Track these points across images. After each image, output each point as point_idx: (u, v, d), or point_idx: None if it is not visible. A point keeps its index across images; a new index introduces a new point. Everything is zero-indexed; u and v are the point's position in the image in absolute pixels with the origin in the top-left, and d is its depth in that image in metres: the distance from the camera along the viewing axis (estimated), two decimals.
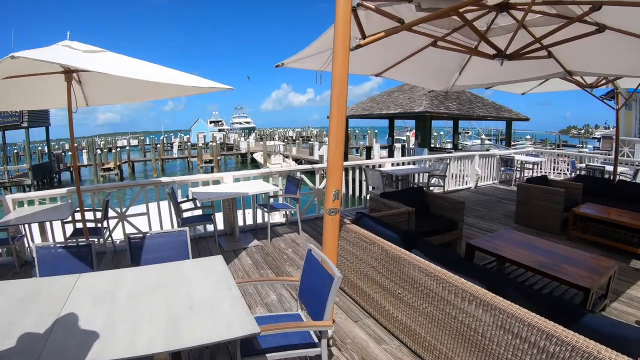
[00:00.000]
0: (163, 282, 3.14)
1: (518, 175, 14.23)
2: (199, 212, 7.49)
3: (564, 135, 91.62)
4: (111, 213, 7.28)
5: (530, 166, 14.63)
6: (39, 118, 34.70)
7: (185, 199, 7.65)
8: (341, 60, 3.71)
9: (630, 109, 18.88)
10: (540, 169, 15.58)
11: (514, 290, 3.12)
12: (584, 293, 4.20)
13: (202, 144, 63.88)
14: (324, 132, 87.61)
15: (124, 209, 7.54)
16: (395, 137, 52.12)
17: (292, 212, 8.04)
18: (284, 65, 6.01)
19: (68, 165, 43.78)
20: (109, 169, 43.56)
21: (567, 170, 15.17)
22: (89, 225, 6.56)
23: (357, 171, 10.08)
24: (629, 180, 11.54)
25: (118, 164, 44.76)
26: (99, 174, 42.29)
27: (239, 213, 8.10)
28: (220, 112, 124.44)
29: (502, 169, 14.28)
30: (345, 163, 9.60)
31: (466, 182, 13.05)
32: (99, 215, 6.94)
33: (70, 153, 49.21)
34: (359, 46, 4.08)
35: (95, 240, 6.78)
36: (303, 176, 8.67)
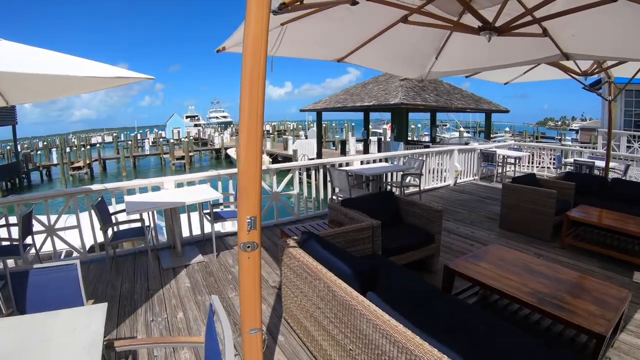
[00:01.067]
0: (17, 348, 2.29)
1: (500, 171, 13.34)
2: (138, 223, 6.41)
3: (542, 127, 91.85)
4: (38, 227, 6.22)
5: (513, 161, 13.80)
6: (5, 116, 33.18)
7: (121, 209, 6.51)
8: (256, 22, 2.33)
9: (615, 101, 18.13)
10: (523, 163, 14.85)
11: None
12: (596, 340, 3.19)
13: (176, 139, 62.38)
14: (300, 126, 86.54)
15: (52, 222, 6.46)
16: (372, 130, 51.28)
17: None
18: (226, 49, 4.85)
19: (38, 165, 42.44)
20: (78, 168, 41.91)
21: (551, 164, 14.51)
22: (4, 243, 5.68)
23: (322, 171, 8.97)
24: (619, 176, 10.69)
25: (88, 162, 43.06)
26: (68, 173, 40.73)
27: (184, 221, 7.07)
28: (197, 107, 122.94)
29: (483, 164, 13.42)
30: (307, 162, 8.61)
31: (444, 178, 12.08)
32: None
33: (39, 152, 47.73)
34: (284, 5, 2.75)
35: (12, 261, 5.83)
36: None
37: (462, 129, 54.56)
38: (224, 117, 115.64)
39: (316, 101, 27.06)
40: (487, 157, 13.22)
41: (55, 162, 44.03)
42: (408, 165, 10.04)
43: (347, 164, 9.37)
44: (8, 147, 41.75)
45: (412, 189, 10.48)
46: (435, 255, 5.55)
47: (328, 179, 8.60)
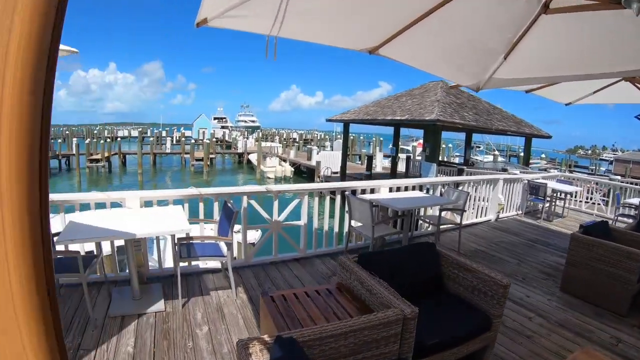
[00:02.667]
0: None
1: (547, 207, 11.43)
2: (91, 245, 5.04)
3: (571, 155, 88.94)
4: None
5: (563, 196, 11.92)
6: None
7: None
8: None
9: None
10: (573, 199, 13.07)
11: None
12: None
13: (200, 139, 61.14)
14: (327, 136, 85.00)
15: None
16: (400, 147, 49.57)
17: (223, 260, 5.14)
18: (208, 23, 3.15)
19: (57, 153, 41.71)
20: (96, 160, 40.78)
21: (602, 201, 12.82)
22: None
23: (339, 196, 7.22)
24: None
25: (107, 155, 41.96)
26: (85, 164, 39.64)
27: (154, 246, 5.53)
28: (227, 110, 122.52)
29: (529, 197, 11.60)
30: (320, 186, 6.83)
31: (484, 211, 10.26)
32: None
33: (59, 140, 47.12)
34: None
35: None
36: (254, 202, 5.96)
37: (496, 152, 52.36)
38: (253, 121, 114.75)
39: (345, 112, 25.32)
40: (535, 190, 11.41)
41: (74, 152, 43.20)
42: (447, 196, 8.23)
43: (373, 190, 7.57)
44: None
45: (448, 226, 8.57)
46: (489, 347, 3.73)
47: (346, 209, 6.84)
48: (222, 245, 5.02)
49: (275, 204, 6.20)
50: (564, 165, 51.63)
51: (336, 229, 7.15)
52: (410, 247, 4.40)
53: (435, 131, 18.49)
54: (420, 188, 8.44)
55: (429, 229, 8.63)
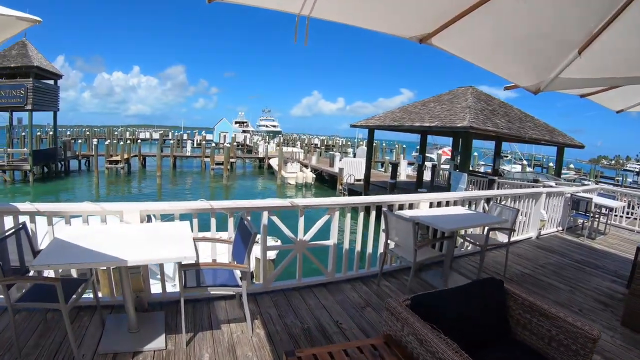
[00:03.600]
0: None
1: (589, 223, 10.44)
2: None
3: (595, 165, 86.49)
4: None
5: (606, 211, 10.96)
6: (46, 101, 33.56)
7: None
8: None
9: None
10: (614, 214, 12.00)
11: None
12: None
13: (221, 143, 60.65)
14: (349, 143, 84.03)
15: None
16: (418, 154, 48.44)
17: (237, 291, 4.24)
18: None
19: (77, 153, 41.64)
20: (115, 162, 40.36)
21: None
22: None
23: (374, 212, 6.22)
24: None
25: (126, 157, 41.58)
26: (105, 166, 39.26)
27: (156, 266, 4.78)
28: (248, 115, 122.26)
29: (571, 213, 10.62)
30: (354, 200, 5.93)
31: (525, 227, 9.31)
32: None
33: (80, 141, 47.15)
34: None
35: None
36: (275, 218, 5.08)
37: (524, 162, 50.84)
38: (274, 126, 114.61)
39: (369, 117, 24.41)
40: (577, 205, 10.45)
41: (93, 152, 43.02)
42: (491, 212, 7.26)
43: (411, 206, 6.62)
44: (51, 133, 41.28)
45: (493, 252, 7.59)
46: None
47: (382, 227, 5.92)
48: (237, 273, 4.15)
49: (301, 220, 5.31)
50: (592, 176, 49.77)
51: (369, 250, 6.22)
52: (472, 285, 3.48)
53: (467, 138, 17.49)
54: (463, 203, 7.51)
55: (469, 248, 7.73)
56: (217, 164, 41.44)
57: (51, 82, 35.10)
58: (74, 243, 3.55)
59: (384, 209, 5.84)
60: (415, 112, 21.06)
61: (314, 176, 36.19)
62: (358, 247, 6.00)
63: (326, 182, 36.84)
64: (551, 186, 14.33)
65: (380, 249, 6.13)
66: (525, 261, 7.64)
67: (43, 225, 4.40)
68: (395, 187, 22.39)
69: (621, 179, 52.12)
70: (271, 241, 8.64)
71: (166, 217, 4.78)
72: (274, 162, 42.97)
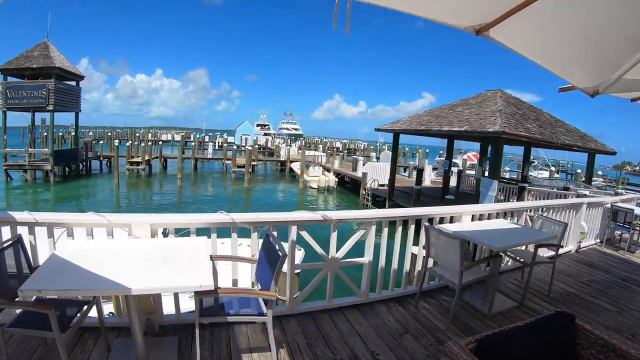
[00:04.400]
0: None
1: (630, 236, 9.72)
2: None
3: (619, 171, 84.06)
4: None
5: None
6: (68, 102, 33.98)
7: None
8: None
9: None
10: None
11: None
12: None
13: (242, 146, 60.39)
14: (372, 147, 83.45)
15: None
16: (445, 159, 47.43)
17: (262, 320, 3.63)
18: None
19: (99, 154, 41.78)
20: (136, 163, 40.27)
21: None
22: None
23: (413, 226, 5.48)
24: None
25: (147, 158, 41.48)
26: (126, 167, 39.21)
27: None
28: (270, 118, 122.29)
29: (612, 225, 9.94)
30: (390, 213, 5.34)
31: (564, 241, 8.65)
32: None
33: (102, 142, 47.35)
34: None
35: None
36: (305, 233, 4.50)
37: (552, 168, 49.61)
38: (295, 129, 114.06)
39: (394, 121, 23.74)
40: (616, 216, 9.81)
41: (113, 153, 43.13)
42: (535, 225, 6.63)
43: (452, 219, 5.92)
44: (73, 133, 41.60)
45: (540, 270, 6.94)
46: None
47: (422, 244, 5.31)
48: (262, 300, 3.59)
49: (334, 236, 4.70)
50: (619, 182, 48.18)
51: (406, 267, 5.60)
52: (538, 322, 2.89)
53: (497, 144, 16.75)
54: (505, 215, 6.87)
55: (509, 263, 7.09)
56: (239, 166, 41.10)
57: (73, 83, 35.31)
58: (74, 262, 3.03)
59: (425, 223, 5.24)
60: (442, 116, 20.34)
61: (337, 180, 35.61)
62: (395, 265, 5.39)
63: (348, 186, 36.43)
64: (586, 195, 13.65)
65: (418, 267, 5.53)
66: (567, 278, 6.98)
67: (44, 238, 3.90)
68: (420, 193, 21.69)
69: None
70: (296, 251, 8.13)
71: (181, 230, 4.25)
72: (295, 166, 42.55)
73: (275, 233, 4.02)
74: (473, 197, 21.06)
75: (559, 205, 8.25)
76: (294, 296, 4.63)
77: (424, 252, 5.20)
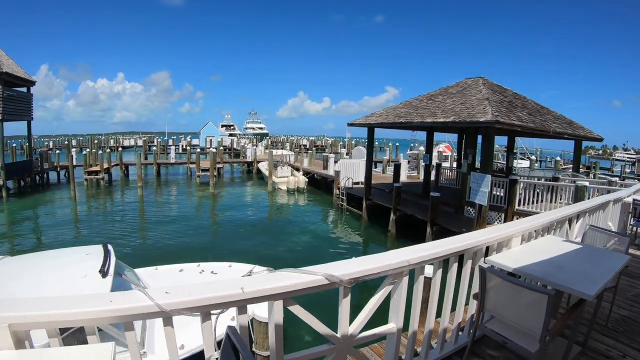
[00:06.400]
0: None
1: None
2: None
3: (583, 155, 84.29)
4: None
5: None
6: (18, 110, 31.59)
7: None
8: None
9: None
10: None
11: None
12: None
13: (207, 148, 57.98)
14: (340, 142, 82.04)
15: None
16: (411, 152, 45.96)
17: None
18: None
19: (55, 164, 39.22)
20: (95, 172, 37.62)
21: None
22: None
23: (455, 267, 3.53)
24: None
25: (106, 166, 38.87)
26: (84, 177, 36.63)
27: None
28: (235, 118, 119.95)
29: (633, 221, 8.85)
30: (430, 252, 3.37)
31: None
32: None
33: (58, 151, 44.84)
34: None
35: None
36: (298, 308, 2.60)
37: (532, 157, 48.67)
38: (261, 128, 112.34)
39: (366, 115, 21.98)
40: (635, 211, 8.85)
41: (75, 163, 40.48)
42: (586, 240, 5.04)
43: (500, 246, 4.06)
44: (27, 144, 39.11)
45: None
46: None
47: (472, 290, 3.55)
48: None
49: (345, 304, 2.74)
50: (591, 168, 47.18)
51: (445, 323, 3.81)
52: None
53: (488, 135, 15.08)
54: (549, 229, 5.17)
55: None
56: (203, 170, 38.85)
57: (24, 89, 32.81)
58: None
59: (481, 264, 3.49)
60: (422, 106, 18.59)
61: (307, 180, 33.78)
62: (430, 325, 3.60)
63: (319, 185, 34.79)
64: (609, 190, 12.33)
65: (459, 318, 3.79)
66: (609, 294, 5.42)
67: None
68: (401, 191, 20.01)
69: (619, 169, 50.21)
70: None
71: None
72: (262, 166, 40.56)
73: (246, 319, 2.20)
74: (457, 192, 19.59)
75: (592, 208, 6.65)
76: None
77: (473, 301, 3.46)
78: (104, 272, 6.54)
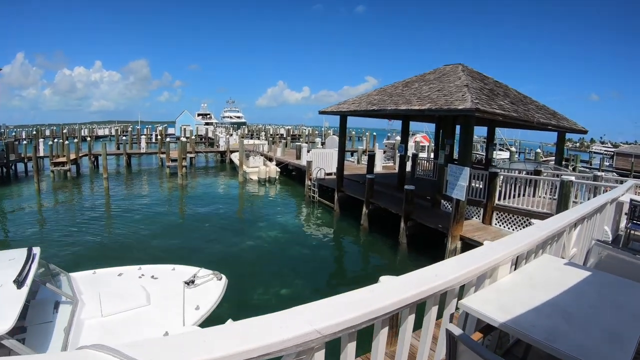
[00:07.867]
0: None
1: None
2: None
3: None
4: None
5: None
6: None
7: None
8: None
9: None
10: None
11: None
12: None
13: (183, 137, 56.31)
14: (317, 131, 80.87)
15: None
16: (387, 142, 44.99)
17: None
18: None
19: (22, 155, 37.36)
20: (61, 164, 35.74)
21: None
22: None
23: (410, 323, 2.39)
24: None
25: (73, 157, 36.99)
26: (50, 168, 34.89)
27: None
28: (213, 107, 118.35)
29: (629, 224, 7.67)
30: (379, 304, 2.05)
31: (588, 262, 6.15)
32: None
33: (25, 142, 42.94)
34: None
35: None
36: None
37: (513, 148, 47.87)
38: (238, 117, 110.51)
39: (340, 102, 20.80)
40: (633, 212, 7.65)
41: (42, 154, 38.51)
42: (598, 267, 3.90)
43: (484, 278, 2.73)
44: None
45: None
46: None
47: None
48: None
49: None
50: (570, 161, 46.76)
51: None
52: None
53: (467, 124, 13.90)
54: (544, 245, 3.95)
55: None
56: (173, 160, 37.25)
57: None
58: None
59: (448, 327, 2.24)
60: (397, 94, 17.41)
61: (279, 170, 32.52)
62: None
63: (293, 176, 33.73)
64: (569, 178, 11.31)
65: None
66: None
67: None
68: (374, 182, 18.90)
69: (598, 162, 50.08)
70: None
71: None
72: (235, 156, 39.12)
73: None
74: (435, 184, 18.55)
75: (590, 212, 5.46)
76: None
77: None
78: (19, 283, 5.92)
